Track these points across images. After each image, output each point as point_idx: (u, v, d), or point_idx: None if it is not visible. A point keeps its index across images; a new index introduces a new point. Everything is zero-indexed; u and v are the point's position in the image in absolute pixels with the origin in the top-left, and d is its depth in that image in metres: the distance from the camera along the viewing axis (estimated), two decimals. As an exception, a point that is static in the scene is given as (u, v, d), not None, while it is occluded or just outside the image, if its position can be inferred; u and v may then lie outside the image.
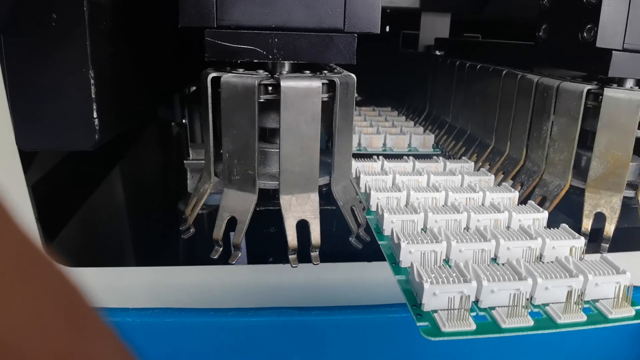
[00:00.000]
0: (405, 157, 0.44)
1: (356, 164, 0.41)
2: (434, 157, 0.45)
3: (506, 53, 0.47)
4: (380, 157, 0.43)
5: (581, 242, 0.29)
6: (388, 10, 0.66)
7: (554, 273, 0.26)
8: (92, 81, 0.29)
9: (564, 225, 0.31)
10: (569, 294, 0.25)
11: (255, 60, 0.28)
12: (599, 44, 0.31)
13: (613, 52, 0.31)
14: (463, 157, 0.46)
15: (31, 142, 0.30)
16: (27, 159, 0.39)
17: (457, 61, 0.52)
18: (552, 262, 0.28)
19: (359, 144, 0.51)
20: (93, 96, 0.29)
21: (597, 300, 0.26)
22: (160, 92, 0.46)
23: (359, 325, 0.44)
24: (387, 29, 0.71)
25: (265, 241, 0.46)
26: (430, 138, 0.52)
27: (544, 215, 0.32)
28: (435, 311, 0.24)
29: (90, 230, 0.65)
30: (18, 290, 0.09)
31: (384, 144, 0.52)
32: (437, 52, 0.59)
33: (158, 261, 0.54)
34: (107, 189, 0.74)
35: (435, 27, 0.58)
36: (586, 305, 0.26)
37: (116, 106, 0.33)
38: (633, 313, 0.25)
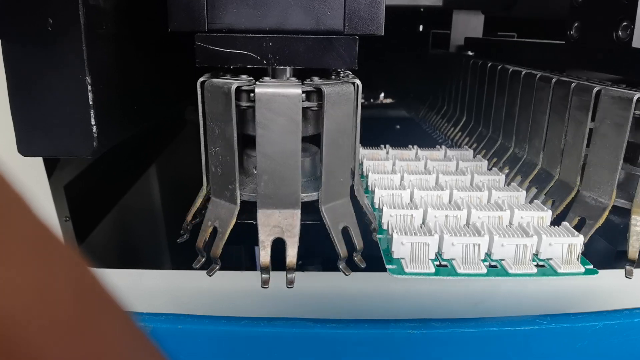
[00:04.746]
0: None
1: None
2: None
3: (539, 53, 0.43)
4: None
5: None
6: (422, 10, 0.64)
7: (513, 233, 0.28)
8: (90, 87, 0.29)
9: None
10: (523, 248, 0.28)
11: (248, 66, 0.26)
12: (636, 44, 0.28)
13: (652, 53, 0.28)
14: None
15: (31, 148, 0.29)
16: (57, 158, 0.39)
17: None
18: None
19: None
20: (90, 103, 0.29)
21: (550, 259, 0.28)
22: (172, 96, 0.45)
23: (375, 340, 0.42)
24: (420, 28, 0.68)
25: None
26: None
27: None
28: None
29: (123, 230, 0.65)
30: (29, 269, 0.10)
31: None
32: (470, 53, 0.56)
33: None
34: (143, 188, 0.75)
35: (468, 26, 0.55)
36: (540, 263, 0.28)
37: (118, 112, 0.32)
38: (582, 270, 0.28)
